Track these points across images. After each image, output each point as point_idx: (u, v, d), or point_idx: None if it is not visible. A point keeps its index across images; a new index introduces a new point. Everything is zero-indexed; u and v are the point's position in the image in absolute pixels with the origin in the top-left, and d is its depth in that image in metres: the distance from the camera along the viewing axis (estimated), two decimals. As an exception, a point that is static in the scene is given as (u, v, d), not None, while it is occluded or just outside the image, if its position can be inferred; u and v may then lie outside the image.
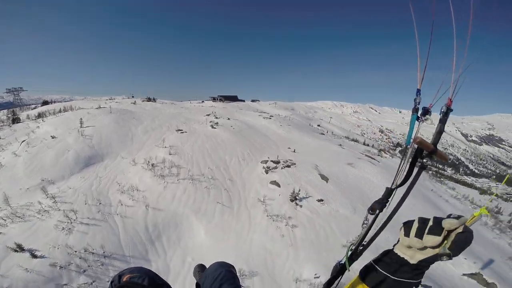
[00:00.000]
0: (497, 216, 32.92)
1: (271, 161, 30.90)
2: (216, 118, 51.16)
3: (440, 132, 1.39)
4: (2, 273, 12.84)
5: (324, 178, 30.61)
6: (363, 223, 2.10)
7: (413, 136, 1.45)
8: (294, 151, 39.13)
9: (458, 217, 1.13)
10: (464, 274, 17.74)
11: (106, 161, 29.32)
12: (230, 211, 22.29)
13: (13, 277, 12.77)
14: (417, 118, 1.49)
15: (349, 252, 2.18)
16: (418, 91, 1.44)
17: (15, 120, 42.29)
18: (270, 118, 64.19)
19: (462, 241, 1.09)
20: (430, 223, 1.21)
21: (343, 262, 2.16)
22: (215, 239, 19.36)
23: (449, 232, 1.14)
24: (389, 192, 1.77)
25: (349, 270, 2.12)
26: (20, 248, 13.95)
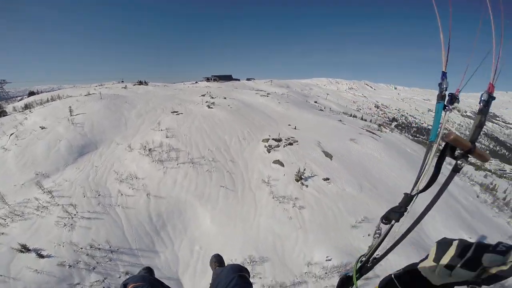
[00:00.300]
0: (494, 193, 32.89)
1: (273, 139, 29.77)
2: (212, 98, 49.27)
3: (480, 126, 1.23)
4: (13, 275, 12.00)
5: (328, 155, 29.72)
6: (375, 233, 1.87)
7: (440, 130, 1.31)
8: (294, 128, 37.93)
9: (505, 252, 0.94)
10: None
11: (101, 148, 27.99)
12: (234, 195, 21.48)
13: (25, 280, 11.87)
14: (444, 107, 1.34)
15: (358, 265, 1.80)
16: (444, 74, 1.28)
17: (1, 113, 40.25)
18: (267, 96, 62.30)
19: (502, 278, 0.92)
20: (469, 254, 1.00)
21: (350, 274, 1.82)
22: (221, 226, 18.63)
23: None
24: (408, 199, 1.57)
25: (356, 287, 1.75)
26: (25, 249, 13.02)
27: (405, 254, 17.77)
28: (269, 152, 27.20)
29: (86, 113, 34.16)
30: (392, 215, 1.59)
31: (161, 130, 29.71)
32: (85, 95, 45.98)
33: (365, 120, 61.81)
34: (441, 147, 1.31)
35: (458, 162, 1.25)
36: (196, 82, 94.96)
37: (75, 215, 17.16)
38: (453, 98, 1.29)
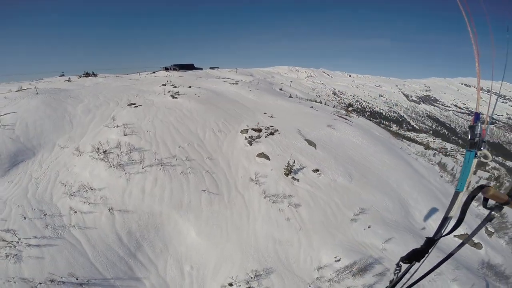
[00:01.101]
0: (450, 172, 34.84)
1: (252, 129, 26.51)
2: (175, 87, 43.86)
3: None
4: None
5: (312, 143, 27.52)
6: (395, 270, 2.06)
7: (469, 179, 1.35)
8: (271, 116, 35.08)
9: None
10: (454, 236, 17.49)
11: (40, 154, 22.04)
12: (219, 199, 17.94)
13: None
14: (475, 155, 1.35)
15: None
16: (477, 115, 1.32)
17: None
18: (237, 84, 58.22)
19: None
20: None
21: None
22: (211, 238, 15.05)
23: None
24: (431, 243, 1.70)
25: None
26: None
27: (404, 242, 16.30)
28: (250, 144, 23.96)
29: (17, 112, 27.17)
30: (413, 257, 1.72)
31: (117, 126, 24.50)
32: (16, 91, 37.66)
33: (334, 107, 61.52)
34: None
35: (492, 212, 1.35)
36: (154, 72, 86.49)
37: (17, 242, 13.00)
38: (481, 143, 1.28)
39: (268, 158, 22.11)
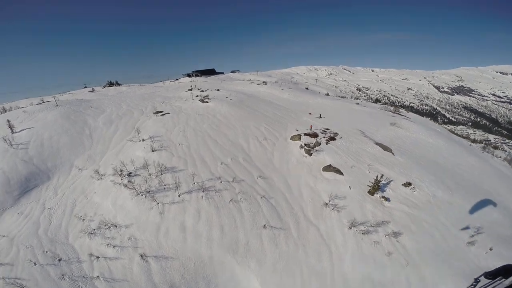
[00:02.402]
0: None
1: (305, 134, 21.17)
2: (202, 91, 39.57)
3: None
4: None
5: (386, 148, 21.53)
6: (471, 285, 2.08)
7: None
8: (320, 117, 29.42)
9: None
10: None
11: (56, 178, 18.19)
12: (286, 235, 12.75)
13: None
14: None
15: None
16: None
17: None
18: (265, 84, 53.15)
19: None
20: None
21: None
22: None
23: None
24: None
25: None
26: None
27: None
28: (309, 154, 18.59)
29: (34, 127, 24.06)
30: (504, 273, 1.62)
31: (143, 140, 20.20)
32: (37, 104, 35.32)
33: (378, 102, 54.52)
34: None
35: None
36: (177, 80, 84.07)
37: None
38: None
39: (340, 172, 16.61)
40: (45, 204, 16.06)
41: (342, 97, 57.16)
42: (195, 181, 15.68)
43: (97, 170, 17.78)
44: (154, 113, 26.28)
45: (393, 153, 20.22)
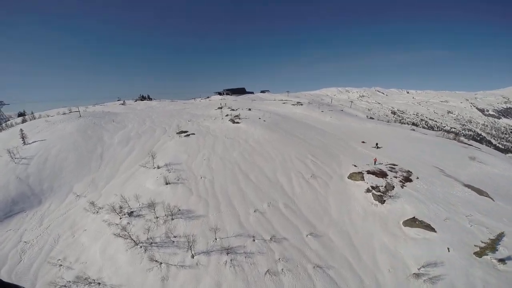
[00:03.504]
0: None
1: (369, 172, 15.67)
2: (233, 110, 35.84)
3: None
4: None
5: (480, 191, 15.36)
6: None
7: None
8: (377, 147, 23.59)
9: None
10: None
11: (48, 204, 14.72)
12: None
13: None
14: None
15: None
16: None
17: None
18: (300, 105, 48.41)
19: None
20: None
21: None
22: None
23: None
24: None
25: None
26: None
27: None
28: (381, 201, 13.09)
29: (46, 139, 21.47)
30: None
31: (158, 167, 16.08)
32: (63, 114, 33.90)
33: (433, 129, 47.00)
34: None
35: None
36: (208, 97, 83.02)
37: None
38: None
39: (430, 228, 11.06)
40: (23, 236, 12.55)
41: (387, 121, 50.56)
42: (217, 236, 10.79)
43: (93, 202, 13.75)
44: (177, 133, 22.51)
45: (491, 198, 13.98)
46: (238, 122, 25.52)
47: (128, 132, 23.93)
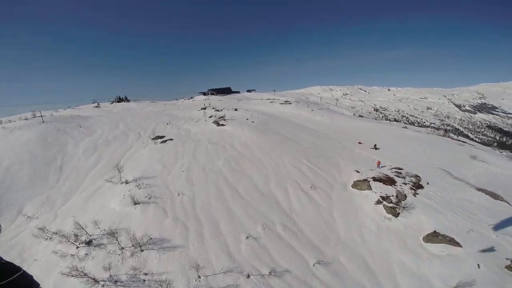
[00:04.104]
0: None
1: (375, 179, 13.64)
2: (218, 110, 33.14)
3: None
4: None
5: (495, 195, 13.68)
6: None
7: None
8: (375, 148, 21.76)
9: None
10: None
11: None
12: None
13: None
14: None
15: None
16: None
17: None
18: (289, 104, 46.29)
19: None
20: None
21: None
22: None
23: None
24: None
25: None
26: None
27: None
28: (395, 214, 11.09)
29: None
30: None
31: (126, 182, 13.32)
32: (24, 119, 30.04)
33: (414, 125, 46.58)
34: None
35: None
36: (192, 98, 79.54)
37: None
38: None
39: (454, 243, 9.28)
40: None
41: (375, 119, 49.73)
42: (201, 273, 8.29)
43: (44, 226, 10.94)
44: (152, 139, 19.65)
45: (507, 202, 12.42)
46: (223, 124, 22.99)
47: (96, 139, 20.82)
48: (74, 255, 9.45)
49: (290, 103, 45.33)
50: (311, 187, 13.22)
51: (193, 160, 15.22)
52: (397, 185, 13.29)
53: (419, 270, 9.18)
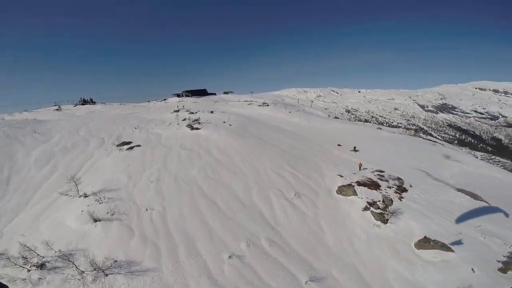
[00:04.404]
0: None
1: (360, 184, 13.10)
2: (192, 113, 31.43)
3: None
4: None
5: (474, 195, 13.79)
6: None
7: None
8: (355, 150, 21.51)
9: None
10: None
11: None
12: None
13: None
14: None
15: None
16: None
17: None
18: (267, 106, 45.40)
19: None
20: None
21: None
22: None
23: None
24: None
25: None
26: None
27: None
28: (383, 220, 10.58)
29: None
30: None
31: (85, 195, 11.53)
32: None
33: (396, 127, 48.43)
34: None
35: None
36: (165, 100, 76.10)
37: None
38: None
39: (446, 248, 9.00)
40: None
41: (349, 119, 50.94)
42: None
43: None
44: (117, 146, 17.68)
45: (486, 202, 12.67)
46: (197, 128, 21.55)
47: (52, 146, 18.40)
48: (25, 279, 7.74)
49: (267, 105, 44.61)
50: (295, 195, 12.37)
51: (164, 169, 13.69)
52: (381, 189, 12.91)
53: (414, 278, 8.67)
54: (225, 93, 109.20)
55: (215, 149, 17.02)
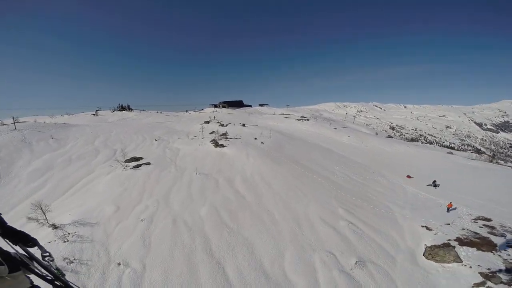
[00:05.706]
0: None
1: (460, 242, 7.50)
2: (222, 125, 28.20)
3: None
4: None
5: None
6: None
7: None
8: (434, 185, 15.08)
9: None
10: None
11: None
12: None
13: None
14: None
15: None
16: None
17: None
18: (307, 120, 40.98)
19: None
20: None
21: None
22: None
23: None
24: None
25: None
26: None
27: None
28: None
29: None
30: None
31: (54, 227, 7.97)
32: None
33: (431, 144, 40.25)
34: None
35: None
36: (202, 110, 75.88)
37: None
38: None
39: None
40: None
41: (410, 140, 43.57)
42: None
43: None
44: (126, 161, 14.51)
45: None
46: (223, 145, 17.75)
47: (56, 157, 16.02)
48: None
49: (307, 120, 39.87)
50: (356, 263, 7.54)
51: (164, 202, 9.79)
52: (497, 249, 7.40)
53: None
54: (261, 105, 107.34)
55: (240, 178, 12.84)
